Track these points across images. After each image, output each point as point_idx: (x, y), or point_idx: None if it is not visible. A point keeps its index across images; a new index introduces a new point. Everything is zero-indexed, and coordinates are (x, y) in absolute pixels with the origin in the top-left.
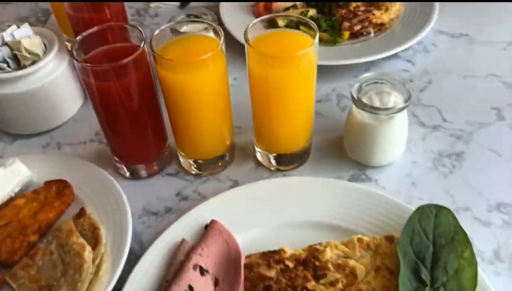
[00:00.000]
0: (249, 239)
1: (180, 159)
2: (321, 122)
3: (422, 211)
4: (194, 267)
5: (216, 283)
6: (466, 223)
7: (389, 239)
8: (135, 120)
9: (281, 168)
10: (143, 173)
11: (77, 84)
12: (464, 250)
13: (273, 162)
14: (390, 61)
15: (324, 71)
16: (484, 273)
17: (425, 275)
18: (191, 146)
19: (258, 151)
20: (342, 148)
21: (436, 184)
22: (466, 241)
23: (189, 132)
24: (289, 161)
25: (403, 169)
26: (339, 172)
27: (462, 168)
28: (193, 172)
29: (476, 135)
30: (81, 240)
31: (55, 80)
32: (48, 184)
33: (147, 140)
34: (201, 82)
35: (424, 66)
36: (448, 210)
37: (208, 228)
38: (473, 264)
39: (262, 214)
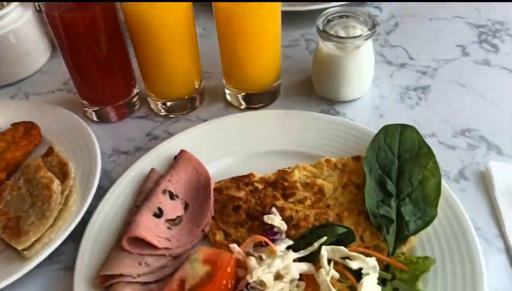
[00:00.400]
0: (219, 169)
1: (150, 102)
2: (290, 65)
3: (387, 129)
4: (164, 192)
5: (186, 207)
6: (432, 147)
7: (356, 158)
8: (102, 57)
9: (251, 107)
10: (112, 116)
11: (44, 36)
12: (428, 162)
13: (242, 101)
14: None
15: (293, 18)
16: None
17: (390, 187)
18: (159, 85)
19: (228, 92)
20: (311, 88)
21: (403, 115)
22: (430, 154)
23: (156, 68)
24: (258, 100)
25: (371, 103)
26: (308, 108)
27: (428, 99)
28: (162, 113)
29: (441, 71)
30: (49, 173)
31: (19, 29)
32: (15, 125)
33: (115, 79)
34: (164, 12)
35: (391, 11)
36: (412, 128)
37: (177, 158)
38: (437, 174)
39: (231, 145)
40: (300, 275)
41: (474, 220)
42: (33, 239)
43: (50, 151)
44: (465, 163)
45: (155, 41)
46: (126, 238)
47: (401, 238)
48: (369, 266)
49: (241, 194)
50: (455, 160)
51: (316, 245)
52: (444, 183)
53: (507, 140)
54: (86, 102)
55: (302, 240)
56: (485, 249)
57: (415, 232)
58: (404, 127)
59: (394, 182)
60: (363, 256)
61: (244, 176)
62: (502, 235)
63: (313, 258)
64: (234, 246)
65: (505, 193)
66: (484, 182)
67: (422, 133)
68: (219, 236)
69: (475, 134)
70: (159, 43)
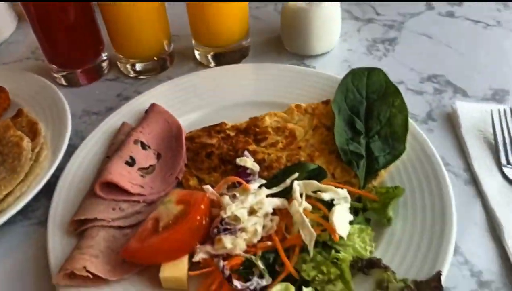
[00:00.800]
0: (190, 122)
1: (119, 66)
2: (259, 25)
3: (354, 73)
4: (135, 142)
5: (158, 157)
6: None
7: (325, 102)
8: (69, 20)
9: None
10: (82, 79)
11: (9, 7)
12: (395, 100)
13: (211, 60)
14: None
15: None
16: None
17: (359, 125)
18: (128, 47)
19: (197, 52)
20: (280, 46)
21: (371, 65)
22: (396, 92)
23: (124, 32)
24: (227, 59)
25: (339, 56)
26: None
27: (395, 51)
28: (132, 75)
29: (407, 24)
30: (19, 132)
31: None
32: None
33: (83, 42)
34: None
35: None
36: (379, 70)
37: (148, 111)
38: (404, 110)
39: (202, 98)
40: (274, 210)
41: (442, 156)
42: (4, 193)
43: (20, 113)
44: (433, 106)
45: (122, 7)
46: (98, 184)
47: (371, 172)
48: (341, 196)
49: (213, 141)
50: (423, 104)
51: (288, 181)
52: (412, 122)
53: (472, 83)
54: (55, 67)
55: (275, 179)
56: (453, 181)
57: (385, 166)
58: (371, 70)
59: (363, 121)
60: (334, 188)
61: (215, 125)
62: (469, 168)
63: (286, 195)
64: (207, 187)
65: (471, 129)
66: (451, 122)
67: None
68: (193, 182)
69: (441, 80)
70: (126, 9)
